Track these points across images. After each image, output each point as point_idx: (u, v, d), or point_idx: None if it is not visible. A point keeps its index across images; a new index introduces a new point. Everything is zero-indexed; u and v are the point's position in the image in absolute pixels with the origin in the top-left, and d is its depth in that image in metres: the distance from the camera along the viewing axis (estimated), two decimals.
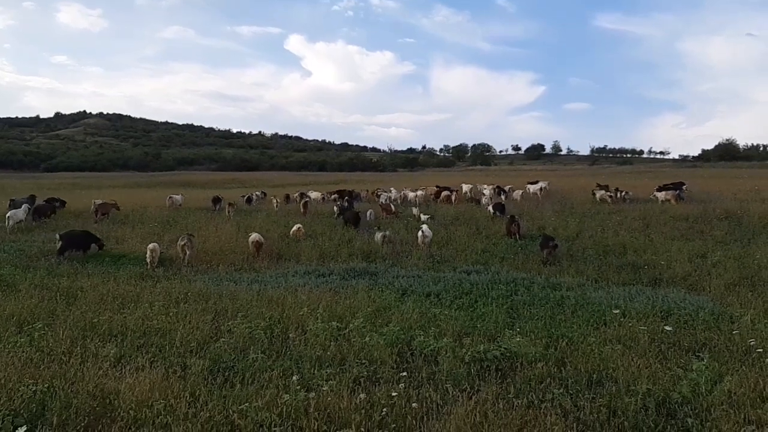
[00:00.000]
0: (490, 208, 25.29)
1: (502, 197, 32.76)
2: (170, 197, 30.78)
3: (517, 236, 19.23)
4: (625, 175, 66.34)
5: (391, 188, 36.53)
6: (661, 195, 28.43)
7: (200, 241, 18.47)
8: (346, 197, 32.31)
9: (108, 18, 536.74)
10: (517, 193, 33.06)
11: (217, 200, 30.64)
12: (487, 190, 34.17)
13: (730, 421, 5.78)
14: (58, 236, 17.39)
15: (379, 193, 34.61)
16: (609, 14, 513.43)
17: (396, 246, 18.37)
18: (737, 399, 6.24)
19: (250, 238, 17.69)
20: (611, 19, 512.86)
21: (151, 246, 15.94)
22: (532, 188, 34.72)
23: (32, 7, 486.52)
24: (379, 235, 18.71)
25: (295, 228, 20.20)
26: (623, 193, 30.35)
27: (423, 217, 23.01)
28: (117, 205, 27.48)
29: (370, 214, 25.05)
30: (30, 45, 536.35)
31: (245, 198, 33.03)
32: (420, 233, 18.24)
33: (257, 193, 36.52)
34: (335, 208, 25.58)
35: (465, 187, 36.22)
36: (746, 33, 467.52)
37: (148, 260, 15.65)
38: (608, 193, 30.00)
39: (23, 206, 24.48)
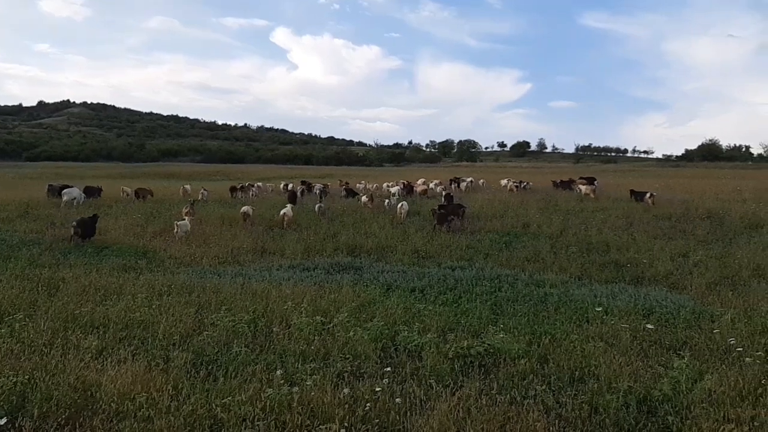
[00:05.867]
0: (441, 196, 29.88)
1: (453, 187, 38.18)
2: (183, 186, 35.24)
3: (446, 228, 20.26)
4: (609, 174, 66.77)
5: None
6: (583, 188, 32.75)
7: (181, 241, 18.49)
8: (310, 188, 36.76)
9: (91, 7, 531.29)
10: (464, 185, 38.53)
11: (234, 189, 34.37)
12: (437, 186, 38.20)
13: (710, 419, 5.84)
14: (75, 223, 17.93)
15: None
16: (596, 13, 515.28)
17: (329, 215, 23.59)
18: (717, 397, 6.30)
19: (282, 211, 21.96)
20: (598, 18, 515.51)
21: (179, 223, 18.96)
22: (462, 184, 39.24)
23: None
24: (316, 207, 24.47)
25: (281, 213, 21.71)
26: (525, 184, 37.37)
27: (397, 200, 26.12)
28: (152, 192, 32.19)
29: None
30: (12, 33, 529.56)
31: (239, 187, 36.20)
32: (399, 206, 23.44)
33: (258, 184, 38.96)
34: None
35: (420, 181, 39.90)
36: (728, 34, 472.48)
37: (176, 234, 18.43)
38: (514, 183, 36.84)
39: (74, 188, 28.42)
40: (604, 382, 6.75)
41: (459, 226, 20.83)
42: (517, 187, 35.82)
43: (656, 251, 16.30)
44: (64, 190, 27.33)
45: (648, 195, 27.12)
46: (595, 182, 36.53)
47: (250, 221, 21.42)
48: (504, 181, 39.87)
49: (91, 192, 30.50)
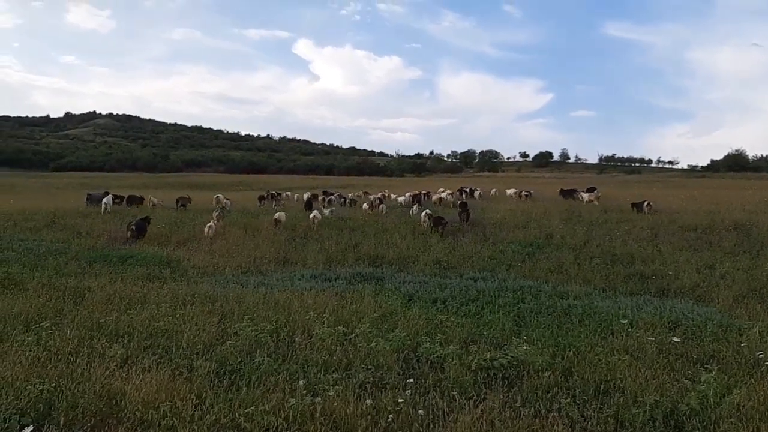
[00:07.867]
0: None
1: (464, 196, 38.98)
2: (216, 196, 36.18)
3: (439, 230, 21.67)
4: (632, 184, 66.14)
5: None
6: (586, 195, 34.80)
7: (208, 244, 18.68)
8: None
9: (116, 18, 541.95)
10: (477, 194, 40.26)
11: (262, 198, 37.06)
12: (448, 195, 38.78)
13: None
14: (133, 225, 20.38)
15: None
16: (617, 22, 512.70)
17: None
18: (746, 412, 6.18)
19: (311, 214, 23.98)
20: (620, 27, 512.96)
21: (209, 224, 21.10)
22: (476, 193, 40.83)
23: (41, 7, 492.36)
24: (327, 211, 26.67)
25: (311, 216, 23.51)
26: (528, 192, 38.80)
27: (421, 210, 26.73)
28: (190, 199, 34.13)
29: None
30: (38, 44, 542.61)
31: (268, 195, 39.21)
32: (423, 214, 24.07)
33: (286, 193, 42.76)
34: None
35: (440, 191, 40.78)
36: (752, 43, 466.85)
37: (207, 233, 20.41)
38: (525, 192, 38.42)
39: (109, 196, 31.70)
40: (629, 395, 6.66)
41: (458, 227, 23.15)
42: (527, 195, 37.94)
43: (682, 263, 16.07)
44: (104, 199, 30.62)
45: (645, 203, 28.31)
46: (596, 190, 38.43)
47: (281, 226, 22.78)
48: (509, 191, 41.11)
49: (133, 200, 33.93)
